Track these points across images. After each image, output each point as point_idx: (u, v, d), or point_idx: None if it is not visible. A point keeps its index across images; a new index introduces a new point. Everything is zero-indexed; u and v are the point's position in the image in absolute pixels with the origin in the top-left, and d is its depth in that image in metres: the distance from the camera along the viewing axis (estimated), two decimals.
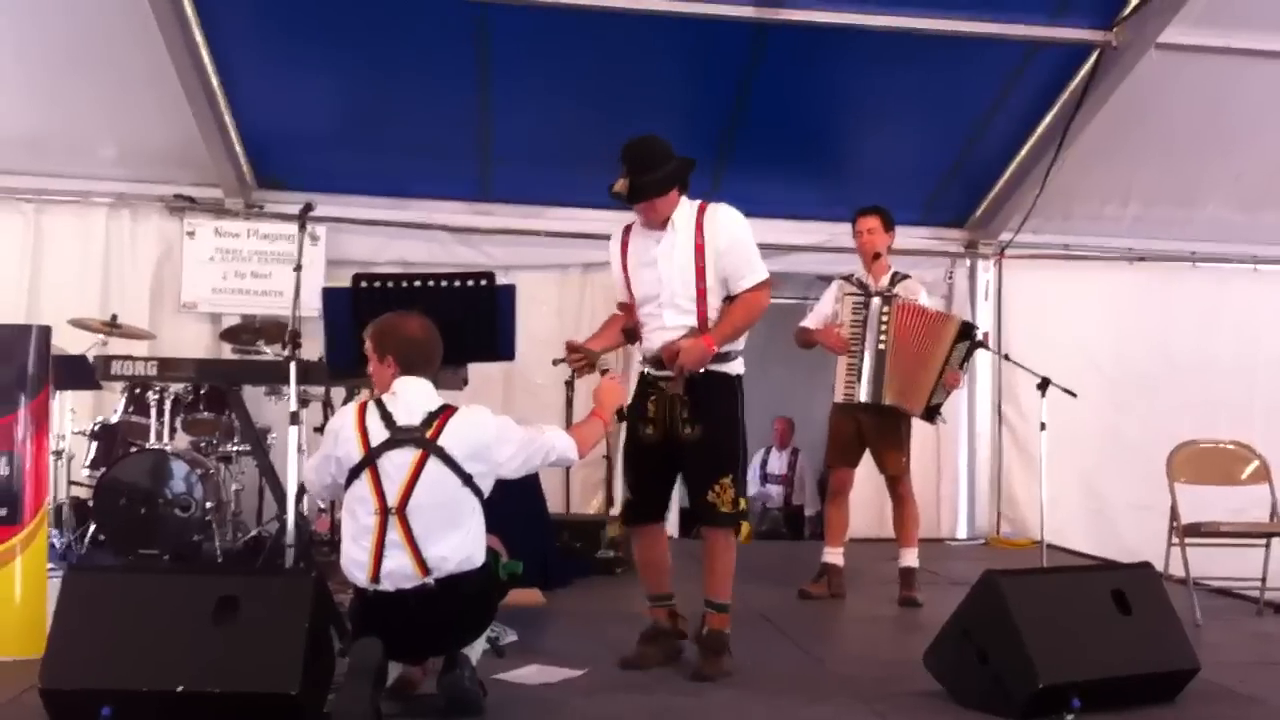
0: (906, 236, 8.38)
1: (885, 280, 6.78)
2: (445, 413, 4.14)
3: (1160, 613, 4.57)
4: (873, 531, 8.74)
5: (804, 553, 7.89)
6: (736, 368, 4.92)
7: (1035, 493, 8.05)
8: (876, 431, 6.74)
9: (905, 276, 6.86)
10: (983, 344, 8.37)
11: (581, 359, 4.89)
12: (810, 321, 7.00)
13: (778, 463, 11.95)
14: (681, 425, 4.79)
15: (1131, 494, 9.12)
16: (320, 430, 6.21)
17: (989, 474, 10.06)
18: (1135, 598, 4.50)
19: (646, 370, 4.98)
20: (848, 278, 6.92)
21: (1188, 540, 6.34)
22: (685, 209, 4.85)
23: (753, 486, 11.93)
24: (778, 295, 10.90)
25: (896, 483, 6.80)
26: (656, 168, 4.73)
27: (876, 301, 6.65)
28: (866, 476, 7.12)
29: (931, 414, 6.78)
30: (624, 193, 4.72)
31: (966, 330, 6.79)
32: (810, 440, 11.63)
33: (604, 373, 4.86)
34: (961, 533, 10.01)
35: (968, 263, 10.05)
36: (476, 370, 6.92)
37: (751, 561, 8.06)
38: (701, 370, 4.77)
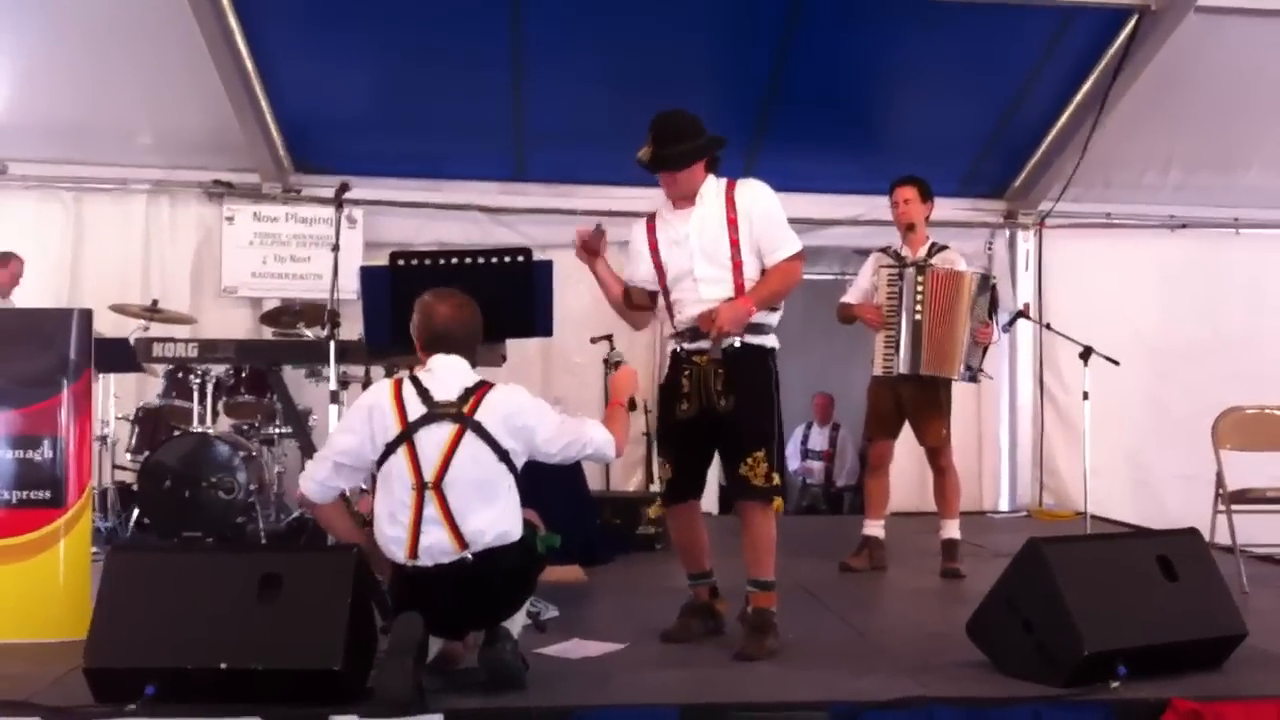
0: (945, 208, 8.31)
1: (923, 251, 6.73)
2: (482, 388, 4.14)
3: (1207, 578, 4.51)
4: (913, 505, 8.72)
5: (845, 527, 7.86)
6: (771, 341, 4.87)
7: (1078, 464, 8.00)
8: (916, 403, 6.70)
9: (944, 248, 6.81)
10: (1024, 314, 8.35)
11: (598, 240, 4.94)
12: (850, 296, 6.97)
13: (819, 439, 11.89)
14: (716, 397, 4.74)
15: (1176, 464, 9.04)
16: None
17: (1030, 445, 10.02)
18: (1181, 564, 4.45)
19: (680, 347, 4.91)
20: (885, 250, 6.88)
21: (1234, 507, 6.26)
22: (714, 184, 4.83)
23: (794, 462, 11.91)
24: (814, 271, 10.98)
25: (937, 454, 6.75)
26: (682, 141, 4.71)
27: (911, 272, 6.60)
28: (906, 450, 7.08)
29: (972, 374, 6.72)
30: (645, 159, 4.73)
31: (984, 281, 6.73)
32: (851, 416, 11.57)
33: (616, 365, 4.84)
34: (1004, 505, 9.97)
35: (1007, 233, 10.01)
36: (515, 349, 6.91)
37: (792, 535, 8.04)
38: (737, 342, 4.74)
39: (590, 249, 4.96)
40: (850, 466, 11.67)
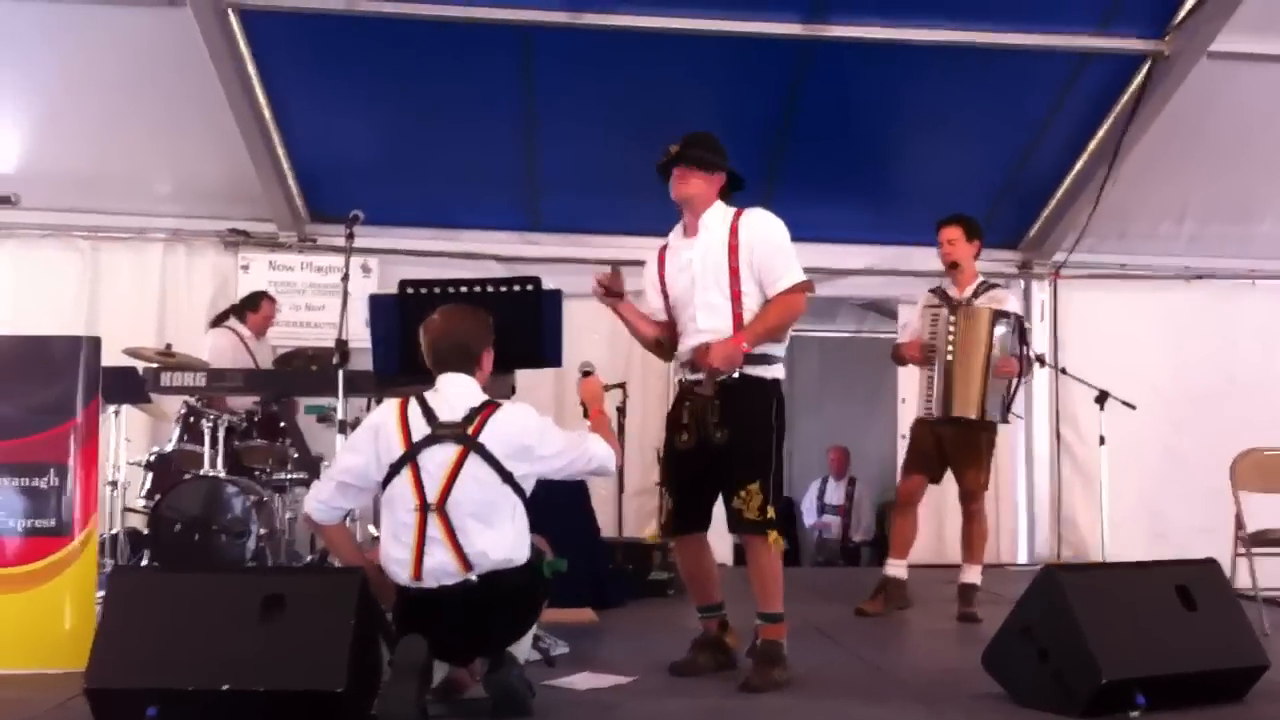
0: None
1: (969, 291, 6.66)
2: (487, 409, 4.11)
3: (1226, 609, 4.45)
4: (928, 558, 8.58)
5: (861, 577, 7.78)
6: (774, 372, 4.79)
7: (1096, 515, 7.89)
8: (957, 446, 6.60)
9: (992, 286, 6.76)
10: (1040, 360, 8.29)
11: (617, 281, 4.87)
12: (902, 337, 6.99)
13: (835, 493, 11.77)
14: (712, 430, 4.69)
15: (1194, 517, 8.89)
16: None
17: (1048, 498, 9.87)
18: (1200, 593, 4.38)
19: (683, 377, 4.91)
20: (934, 290, 6.82)
21: (1255, 550, 6.18)
22: (720, 212, 4.85)
23: (810, 516, 11.83)
24: (829, 329, 10.93)
25: (971, 498, 6.63)
26: (708, 150, 4.81)
27: (944, 312, 6.55)
28: (926, 501, 6.98)
29: (999, 414, 6.58)
30: (671, 153, 4.76)
31: (1002, 316, 6.53)
32: (868, 470, 11.51)
33: (586, 374, 4.80)
34: (1022, 558, 9.82)
35: (1022, 284, 9.90)
36: (527, 394, 6.83)
37: (808, 584, 8.01)
38: (735, 374, 4.68)
39: (612, 291, 4.92)
40: (867, 522, 11.58)
